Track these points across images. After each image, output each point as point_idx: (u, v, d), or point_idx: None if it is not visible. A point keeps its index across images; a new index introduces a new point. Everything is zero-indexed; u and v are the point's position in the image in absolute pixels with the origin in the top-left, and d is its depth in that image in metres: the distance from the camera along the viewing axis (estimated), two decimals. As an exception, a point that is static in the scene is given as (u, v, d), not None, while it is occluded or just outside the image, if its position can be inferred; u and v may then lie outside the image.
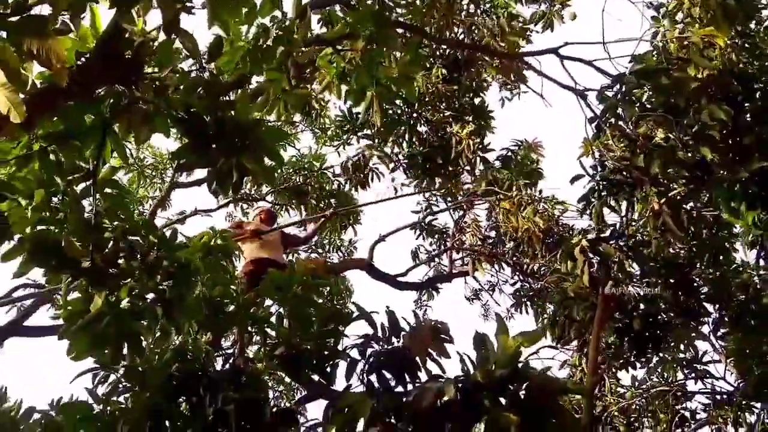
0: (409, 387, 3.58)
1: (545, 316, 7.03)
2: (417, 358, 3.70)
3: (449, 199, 8.30)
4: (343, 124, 7.92)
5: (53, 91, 2.84)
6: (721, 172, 4.88)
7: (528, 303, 8.09)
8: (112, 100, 3.30)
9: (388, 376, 3.72)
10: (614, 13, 5.77)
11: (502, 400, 3.16)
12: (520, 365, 3.24)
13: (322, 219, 7.88)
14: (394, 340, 3.87)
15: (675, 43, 5.13)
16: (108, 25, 3.06)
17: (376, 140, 7.88)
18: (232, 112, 3.20)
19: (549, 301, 7.04)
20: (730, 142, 4.94)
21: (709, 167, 5.03)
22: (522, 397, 3.17)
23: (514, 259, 7.52)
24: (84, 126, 3.32)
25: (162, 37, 3.17)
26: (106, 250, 3.22)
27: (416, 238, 8.84)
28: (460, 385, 3.22)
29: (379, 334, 3.88)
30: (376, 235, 8.12)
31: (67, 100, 2.93)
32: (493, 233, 7.92)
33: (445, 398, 3.16)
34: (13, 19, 2.53)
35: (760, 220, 4.58)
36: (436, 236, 8.82)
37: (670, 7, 5.23)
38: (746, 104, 5.30)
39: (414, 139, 7.70)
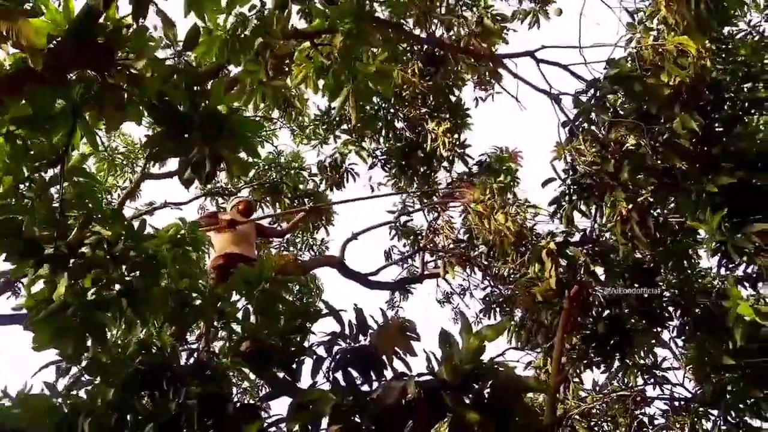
0: (375, 385, 3.59)
1: (513, 321, 7.09)
2: (383, 356, 3.71)
3: (425, 200, 8.32)
4: (321, 122, 7.89)
5: (23, 73, 2.78)
6: (689, 181, 4.96)
7: (497, 309, 8.13)
8: (83, 86, 3.24)
9: (355, 373, 3.72)
10: (592, 16, 5.83)
11: (467, 398, 3.20)
12: (484, 363, 3.28)
13: (300, 215, 7.81)
14: (361, 337, 3.87)
15: (649, 50, 5.21)
16: (81, 8, 3.00)
17: (354, 135, 7.86)
18: (206, 101, 3.17)
19: (517, 306, 7.11)
20: (700, 150, 5.03)
21: (677, 175, 5.12)
22: (486, 394, 3.20)
23: (486, 263, 7.55)
24: (54, 111, 3.25)
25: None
26: (70, 236, 3.15)
27: (391, 239, 8.86)
28: (424, 382, 3.24)
29: (347, 331, 3.88)
30: (350, 234, 8.08)
31: (36, 84, 2.86)
32: (466, 236, 7.94)
33: (409, 396, 3.18)
34: (-19, -1, 2.47)
35: (725, 227, 4.67)
36: (411, 237, 8.83)
37: (646, 14, 5.30)
38: (715, 114, 5.43)
39: (390, 135, 7.70)
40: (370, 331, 3.83)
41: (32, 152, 3.36)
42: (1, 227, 3.15)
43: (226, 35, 4.27)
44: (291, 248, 9.62)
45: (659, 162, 5.07)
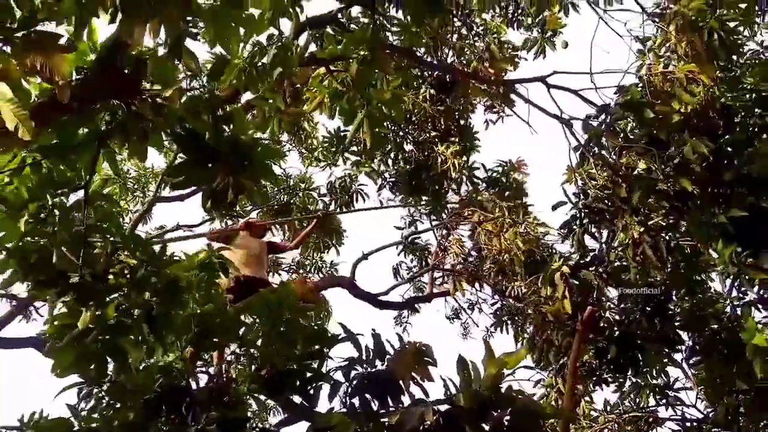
0: (392, 410, 3.61)
1: (525, 335, 7.09)
2: (401, 382, 3.73)
3: (433, 217, 8.37)
4: (330, 145, 7.97)
5: (51, 104, 2.84)
6: (701, 207, 5.00)
7: (508, 322, 8.12)
8: (108, 115, 3.31)
9: (370, 398, 3.74)
10: (603, 44, 5.89)
11: (485, 425, 3.23)
12: (502, 389, 3.32)
13: (310, 227, 7.81)
14: (378, 362, 3.90)
15: (659, 77, 5.27)
16: (107, 39, 3.07)
17: (363, 157, 7.94)
18: (227, 130, 3.23)
19: (529, 323, 7.12)
20: (711, 175, 5.07)
21: (688, 199, 5.16)
22: (505, 421, 3.24)
23: (495, 279, 7.56)
24: (78, 139, 3.32)
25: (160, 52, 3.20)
26: (96, 265, 3.19)
27: (398, 254, 8.90)
28: (443, 408, 3.27)
29: (364, 356, 3.91)
30: (359, 254, 8.08)
31: (64, 114, 2.93)
32: (474, 253, 7.96)
33: (428, 422, 3.21)
34: (19, 33, 2.54)
35: (737, 257, 4.71)
36: (418, 253, 8.87)
37: (656, 42, 5.37)
38: (725, 137, 5.47)
39: (400, 157, 7.78)
40: (388, 356, 3.86)
41: (56, 179, 3.42)
42: (27, 254, 3.20)
43: (245, 64, 4.34)
44: (301, 270, 9.64)
45: (670, 186, 5.11)
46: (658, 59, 5.25)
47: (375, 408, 3.68)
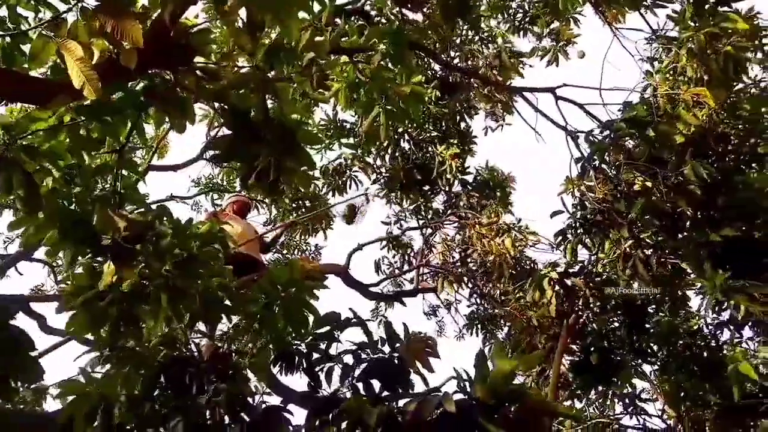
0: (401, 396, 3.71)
1: (494, 340, 7.29)
2: (410, 370, 3.84)
3: (420, 216, 8.44)
4: (327, 129, 7.99)
5: (111, 67, 2.84)
6: (694, 227, 5.22)
7: (479, 326, 8.30)
8: (147, 83, 3.32)
9: (376, 384, 3.83)
10: (611, 59, 6.04)
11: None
12: (514, 386, 3.46)
13: (280, 229, 7.98)
14: (385, 349, 4.00)
15: (664, 98, 5.45)
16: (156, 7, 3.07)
17: (359, 150, 7.99)
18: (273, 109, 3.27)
19: (506, 326, 7.31)
20: (706, 198, 5.28)
21: (682, 219, 5.38)
22: (514, 415, 3.37)
23: (477, 281, 7.70)
24: (116, 104, 3.32)
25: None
26: (133, 230, 3.21)
27: (381, 249, 8.97)
28: (459, 400, 3.38)
29: (370, 342, 4.00)
30: (344, 243, 8.19)
31: (122, 78, 2.94)
32: (456, 255, 8.08)
33: (441, 411, 3.32)
34: (91, -5, 2.55)
35: (725, 283, 4.92)
36: (400, 250, 8.96)
37: (664, 64, 5.56)
38: (718, 165, 5.71)
39: (397, 154, 7.85)
40: (397, 344, 3.96)
41: (91, 141, 3.42)
42: (62, 212, 3.20)
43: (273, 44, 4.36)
44: (284, 251, 9.64)
45: (668, 205, 5.31)
46: (665, 80, 5.43)
47: (380, 394, 3.78)
